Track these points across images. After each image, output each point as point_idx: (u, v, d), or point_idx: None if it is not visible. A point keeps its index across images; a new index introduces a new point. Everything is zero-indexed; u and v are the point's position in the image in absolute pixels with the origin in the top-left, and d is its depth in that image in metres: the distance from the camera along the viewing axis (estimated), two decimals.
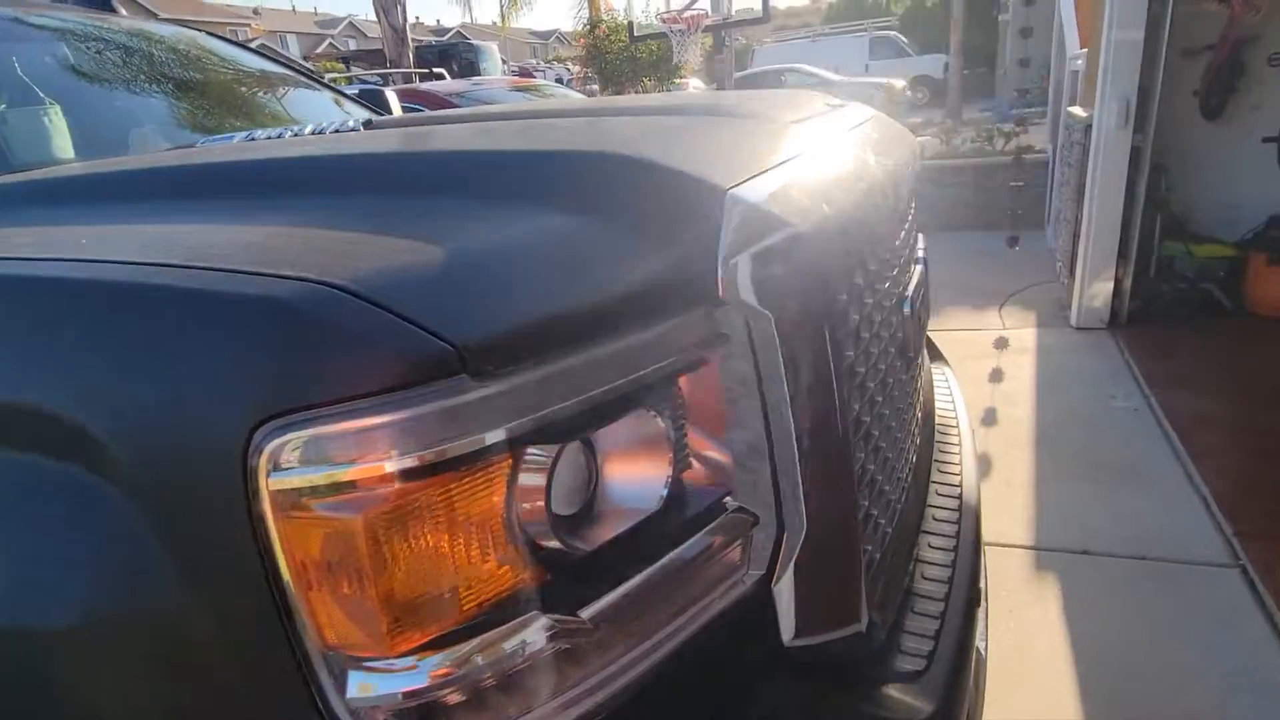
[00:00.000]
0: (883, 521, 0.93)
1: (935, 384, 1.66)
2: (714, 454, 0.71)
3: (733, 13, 8.68)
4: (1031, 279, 5.69)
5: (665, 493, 0.66)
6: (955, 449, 1.40)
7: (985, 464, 3.28)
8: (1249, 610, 2.32)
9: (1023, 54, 5.93)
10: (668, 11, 7.54)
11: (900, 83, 14.86)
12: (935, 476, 1.31)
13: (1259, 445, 3.24)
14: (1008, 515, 2.89)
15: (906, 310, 1.03)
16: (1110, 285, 4.58)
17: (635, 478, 0.66)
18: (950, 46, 13.05)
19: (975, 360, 4.40)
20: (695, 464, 0.70)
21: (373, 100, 2.67)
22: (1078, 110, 4.90)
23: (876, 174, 0.96)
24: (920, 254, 1.27)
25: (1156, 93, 4.20)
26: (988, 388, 4.05)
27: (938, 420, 1.50)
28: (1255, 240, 4.52)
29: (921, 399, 1.29)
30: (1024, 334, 4.76)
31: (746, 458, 0.70)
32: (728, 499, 0.71)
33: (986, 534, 2.81)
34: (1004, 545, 2.73)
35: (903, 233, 1.06)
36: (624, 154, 0.69)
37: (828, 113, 1.14)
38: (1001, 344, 4.64)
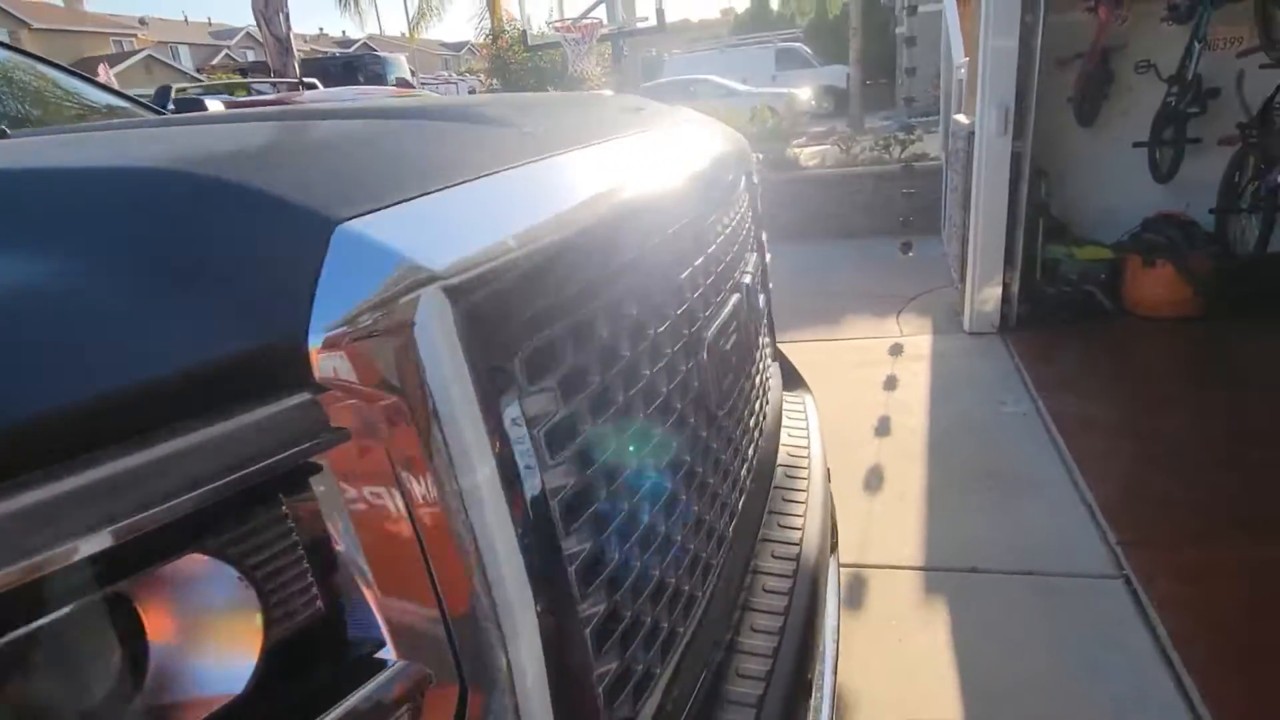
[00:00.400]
0: (665, 624, 0.75)
1: (788, 416, 1.50)
2: (361, 591, 0.51)
3: (634, 22, 8.55)
4: (929, 284, 5.75)
5: (257, 666, 0.45)
6: (801, 496, 1.24)
7: (878, 478, 3.20)
8: (1133, 624, 2.27)
9: (909, 63, 6.01)
10: (561, 20, 7.28)
11: (805, 92, 15.12)
12: (769, 533, 1.14)
13: (1139, 449, 3.26)
14: (899, 533, 2.80)
15: (704, 356, 0.86)
16: (999, 289, 4.63)
17: (206, 650, 0.44)
18: (850, 57, 13.37)
19: (872, 368, 4.37)
20: (327, 609, 0.50)
21: (193, 110, 2.38)
22: (961, 118, 4.96)
23: (652, 194, 0.78)
24: (746, 280, 1.10)
25: (1033, 100, 4.25)
26: (883, 396, 4.00)
27: (785, 461, 1.34)
28: (1131, 242, 4.65)
29: (753, 445, 1.13)
30: (920, 340, 4.77)
31: (402, 593, 0.50)
32: (383, 653, 0.51)
33: (879, 556, 2.73)
34: (895, 567, 2.63)
35: (699, 260, 0.89)
36: (174, 171, 0.48)
37: (616, 118, 0.96)
38: (897, 351, 4.63)
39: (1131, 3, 4.38)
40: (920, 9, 5.90)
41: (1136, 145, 4.70)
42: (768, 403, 1.32)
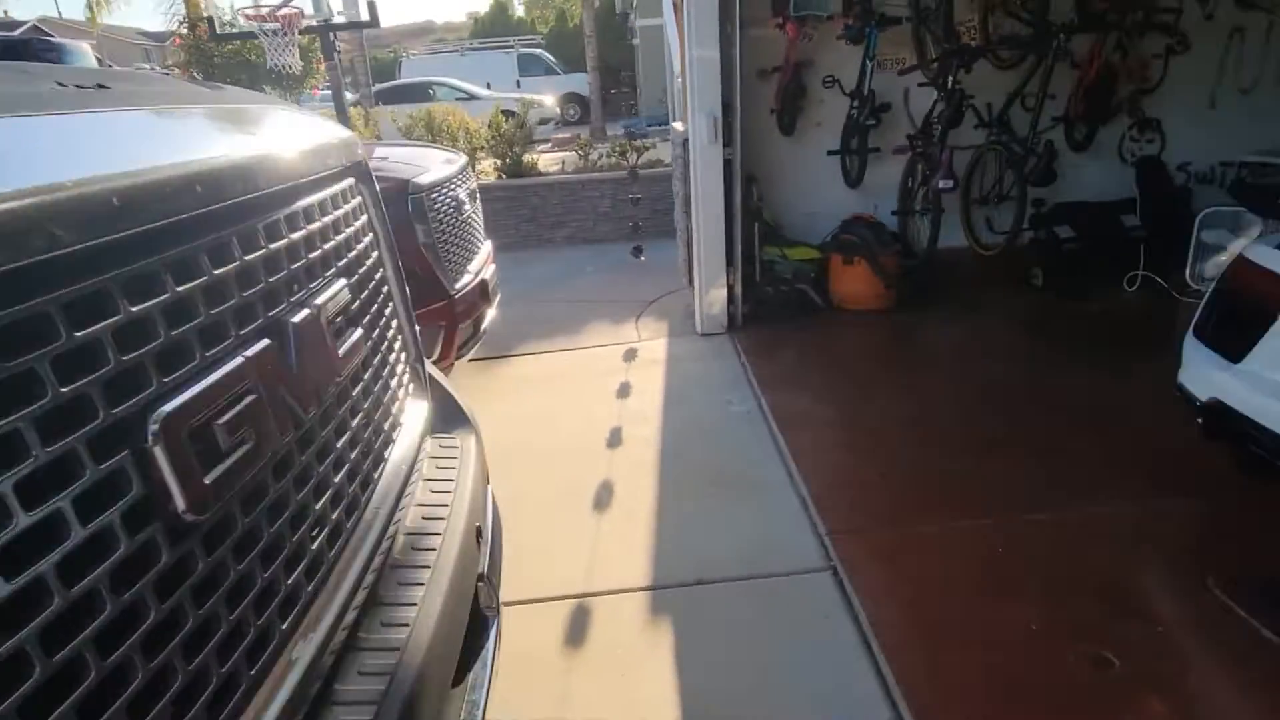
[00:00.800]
0: None
1: (435, 467, 1.26)
2: None
3: (356, 14, 7.82)
4: (667, 287, 5.87)
5: None
6: (421, 580, 1.00)
7: (609, 494, 3.09)
8: (840, 616, 2.33)
9: (635, 71, 6.13)
10: (254, 7, 6.30)
11: (550, 99, 15.14)
12: (368, 636, 0.89)
13: (846, 438, 3.47)
14: (628, 553, 2.70)
15: (151, 443, 0.58)
16: (725, 291, 4.80)
17: None
18: (588, 65, 13.61)
19: (611, 376, 4.30)
20: None
21: None
22: (678, 125, 5.09)
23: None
24: (299, 318, 0.83)
25: (738, 109, 4.44)
26: (619, 405, 3.94)
27: (415, 529, 1.10)
28: (832, 243, 5.05)
29: (325, 530, 0.86)
30: (656, 344, 4.81)
31: None
32: None
33: (606, 581, 2.58)
34: (623, 591, 2.51)
35: (145, 303, 0.61)
36: None
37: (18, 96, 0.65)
38: (636, 356, 4.62)
39: (815, 22, 4.74)
40: (639, 23, 5.99)
41: (830, 153, 5.12)
42: (381, 462, 1.07)
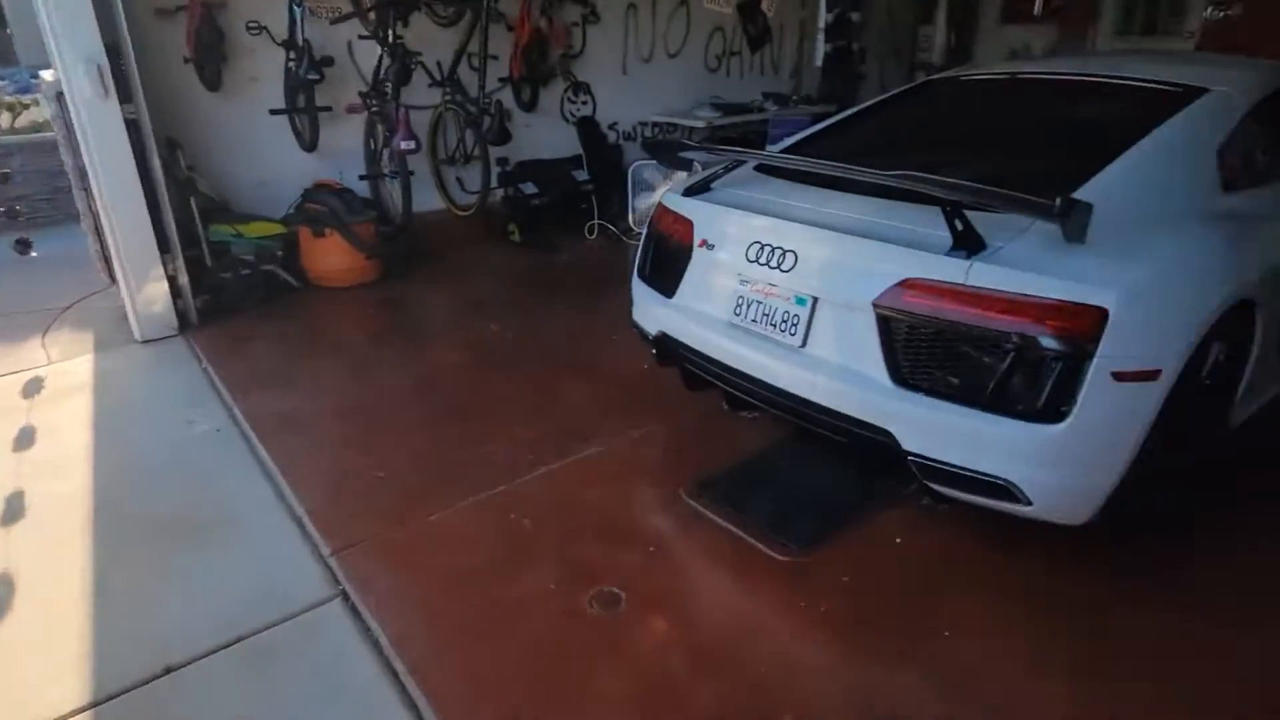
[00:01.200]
0: None
1: None
2: None
3: None
4: (90, 286, 4.56)
5: None
6: None
7: (6, 592, 2.19)
8: (357, 649, 2.00)
9: None
10: None
11: None
12: None
13: (341, 434, 3.07)
14: (50, 667, 1.93)
15: None
16: (165, 284, 3.88)
17: None
18: None
19: (1, 421, 3.11)
20: None
21: None
22: (48, 75, 3.85)
23: None
24: None
25: (131, 56, 3.51)
26: (14, 460, 2.87)
27: None
28: (297, 215, 4.47)
29: None
30: (77, 365, 3.67)
31: None
32: None
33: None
34: None
35: None
36: None
37: None
38: (42, 387, 3.45)
39: None
40: None
41: (274, 112, 4.47)
42: None
